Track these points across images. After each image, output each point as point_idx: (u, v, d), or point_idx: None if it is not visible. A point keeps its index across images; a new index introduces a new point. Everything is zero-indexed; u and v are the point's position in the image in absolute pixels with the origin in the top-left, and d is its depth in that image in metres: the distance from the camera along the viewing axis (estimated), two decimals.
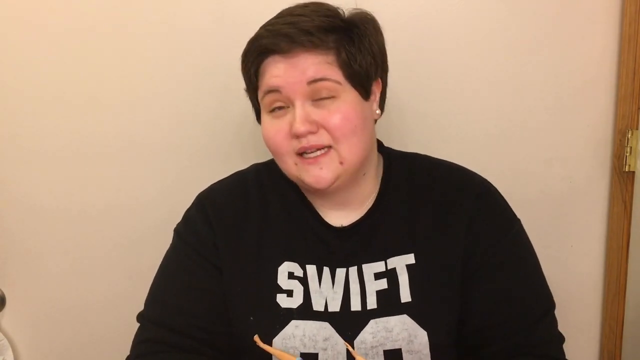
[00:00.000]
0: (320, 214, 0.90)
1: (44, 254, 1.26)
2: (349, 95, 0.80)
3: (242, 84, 0.88)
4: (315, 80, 0.78)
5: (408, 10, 1.14)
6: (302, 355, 0.83)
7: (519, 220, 0.90)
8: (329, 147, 0.80)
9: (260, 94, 0.83)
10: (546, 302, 0.87)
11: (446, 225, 0.86)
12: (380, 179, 0.91)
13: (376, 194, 0.90)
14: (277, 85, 0.79)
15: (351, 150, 0.80)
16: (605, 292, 1.22)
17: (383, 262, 0.86)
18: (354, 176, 0.85)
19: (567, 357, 0.84)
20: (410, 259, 0.86)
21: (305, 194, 0.91)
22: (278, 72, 0.79)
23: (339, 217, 0.89)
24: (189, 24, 1.16)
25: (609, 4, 1.12)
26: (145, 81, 1.18)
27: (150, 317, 0.88)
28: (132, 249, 1.24)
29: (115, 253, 1.25)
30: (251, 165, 0.97)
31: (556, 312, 0.89)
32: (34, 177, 1.22)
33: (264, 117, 0.83)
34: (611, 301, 1.21)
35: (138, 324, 0.90)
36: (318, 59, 0.78)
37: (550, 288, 0.86)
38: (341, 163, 0.81)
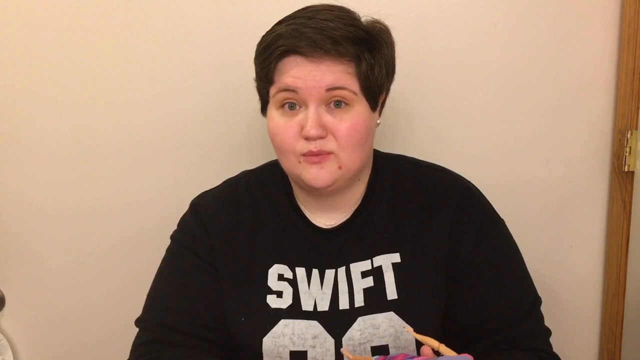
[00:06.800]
0: (309, 217, 0.91)
1: (43, 254, 1.26)
2: (361, 106, 0.82)
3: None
4: (333, 88, 0.79)
5: (407, 11, 1.14)
6: (292, 353, 0.85)
7: (502, 220, 0.92)
8: (331, 152, 0.81)
9: (273, 89, 0.82)
10: (531, 298, 0.89)
11: (431, 226, 0.88)
12: (367, 181, 0.92)
13: (363, 196, 0.91)
14: (296, 86, 0.79)
15: (351, 158, 0.82)
16: (605, 292, 1.22)
17: (369, 261, 0.88)
18: (350, 181, 0.87)
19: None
20: (395, 257, 0.88)
21: (297, 198, 0.92)
22: (299, 73, 0.79)
23: (328, 219, 0.91)
24: (190, 24, 1.16)
25: (609, 4, 1.12)
26: (146, 82, 1.18)
27: (150, 320, 0.89)
28: (132, 249, 1.24)
29: (115, 253, 1.25)
30: (240, 173, 0.99)
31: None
32: (33, 177, 1.22)
33: (273, 111, 0.83)
34: (610, 301, 1.21)
35: (137, 328, 0.90)
36: (339, 67, 0.79)
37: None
38: (339, 167, 0.82)
